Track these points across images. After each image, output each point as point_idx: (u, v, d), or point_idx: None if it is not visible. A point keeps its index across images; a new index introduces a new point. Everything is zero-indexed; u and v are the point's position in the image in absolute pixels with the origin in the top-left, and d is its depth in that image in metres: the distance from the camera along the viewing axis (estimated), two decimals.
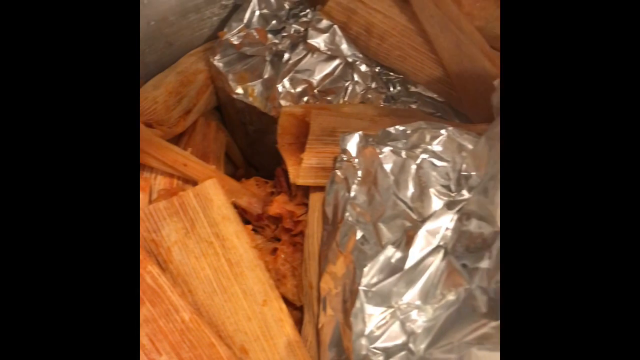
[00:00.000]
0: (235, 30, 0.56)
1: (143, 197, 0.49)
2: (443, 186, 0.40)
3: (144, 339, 0.41)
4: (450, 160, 0.41)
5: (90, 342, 0.28)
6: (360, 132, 0.45)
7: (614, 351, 0.27)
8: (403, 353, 0.36)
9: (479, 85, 0.52)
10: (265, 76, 0.56)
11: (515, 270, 0.29)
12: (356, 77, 0.56)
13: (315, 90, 0.55)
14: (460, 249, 0.37)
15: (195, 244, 0.45)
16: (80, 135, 0.29)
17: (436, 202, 0.40)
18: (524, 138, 0.30)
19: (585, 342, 0.27)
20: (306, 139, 0.50)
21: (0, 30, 0.28)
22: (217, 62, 0.57)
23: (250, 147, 0.63)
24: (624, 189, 0.28)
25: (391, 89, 0.57)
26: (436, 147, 0.42)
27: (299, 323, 0.47)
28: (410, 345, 0.36)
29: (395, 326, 0.37)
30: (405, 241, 0.39)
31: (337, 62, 0.56)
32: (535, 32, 0.31)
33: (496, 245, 0.34)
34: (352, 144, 0.45)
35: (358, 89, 0.56)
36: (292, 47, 0.56)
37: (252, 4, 0.56)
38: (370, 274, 0.39)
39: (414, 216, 0.40)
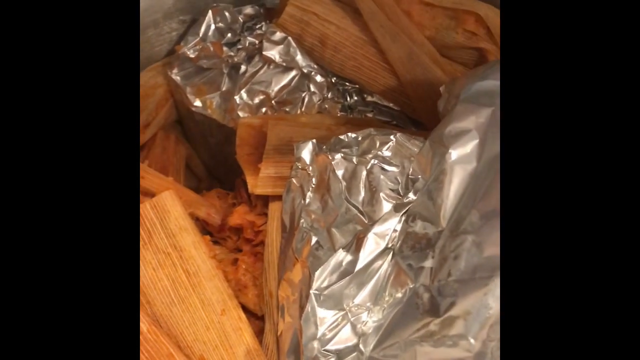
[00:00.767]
0: (191, 44, 0.57)
1: None
2: (392, 190, 0.41)
3: None
4: (399, 164, 0.42)
5: (90, 342, 0.29)
6: (314, 140, 0.45)
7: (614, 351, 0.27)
8: (354, 354, 0.36)
9: (431, 93, 0.53)
10: (223, 88, 0.57)
11: (515, 269, 0.29)
12: (312, 88, 0.57)
13: (273, 101, 0.56)
14: (406, 250, 0.38)
15: (153, 255, 0.45)
16: (80, 135, 0.30)
17: (386, 206, 0.40)
18: (524, 138, 0.30)
19: (585, 343, 0.27)
20: (264, 149, 0.51)
21: None
22: (175, 75, 0.57)
23: (213, 159, 0.64)
24: (625, 189, 0.28)
25: (348, 98, 0.58)
26: (386, 152, 0.42)
27: (260, 333, 0.47)
28: (361, 347, 0.36)
29: (347, 328, 0.37)
30: (356, 244, 0.39)
31: (293, 73, 0.56)
32: (536, 32, 0.31)
33: (439, 245, 0.35)
34: (306, 152, 0.45)
35: (315, 99, 0.57)
36: (248, 60, 0.57)
37: (207, 18, 0.57)
38: (321, 278, 0.39)
39: (365, 220, 0.41)
